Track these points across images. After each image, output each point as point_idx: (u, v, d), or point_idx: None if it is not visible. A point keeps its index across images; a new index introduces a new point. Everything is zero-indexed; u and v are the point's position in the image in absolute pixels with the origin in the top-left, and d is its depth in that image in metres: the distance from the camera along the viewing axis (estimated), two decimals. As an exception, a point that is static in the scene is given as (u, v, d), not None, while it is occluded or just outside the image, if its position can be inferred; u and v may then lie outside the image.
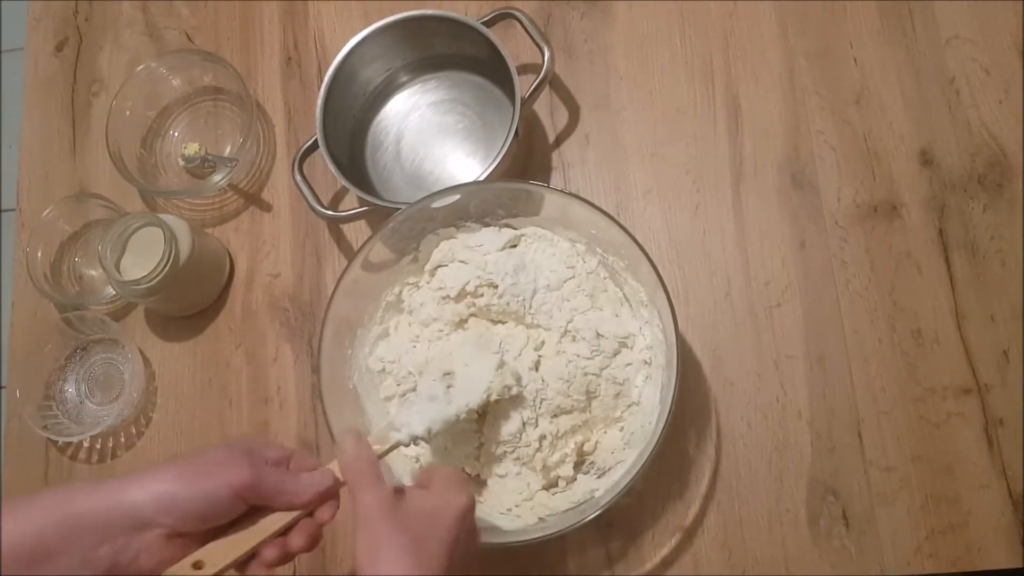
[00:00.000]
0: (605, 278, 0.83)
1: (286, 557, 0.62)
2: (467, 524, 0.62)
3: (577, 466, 0.80)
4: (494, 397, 0.75)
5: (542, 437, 0.78)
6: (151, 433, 0.95)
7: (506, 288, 0.80)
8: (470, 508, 0.62)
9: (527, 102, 0.87)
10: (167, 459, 0.61)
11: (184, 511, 0.57)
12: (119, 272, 0.90)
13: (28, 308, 1.02)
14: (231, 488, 0.58)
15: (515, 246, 0.84)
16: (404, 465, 0.82)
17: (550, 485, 0.79)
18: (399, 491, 0.61)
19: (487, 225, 0.84)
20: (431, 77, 0.98)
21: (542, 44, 0.87)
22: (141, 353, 0.96)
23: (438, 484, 0.63)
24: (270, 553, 0.61)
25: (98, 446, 0.96)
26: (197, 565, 0.58)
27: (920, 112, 0.88)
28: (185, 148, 1.01)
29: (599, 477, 0.79)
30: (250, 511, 0.61)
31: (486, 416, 0.79)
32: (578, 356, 0.79)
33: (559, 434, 0.78)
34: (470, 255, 0.82)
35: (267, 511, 0.61)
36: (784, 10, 0.94)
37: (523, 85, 0.87)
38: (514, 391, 0.76)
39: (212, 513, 0.58)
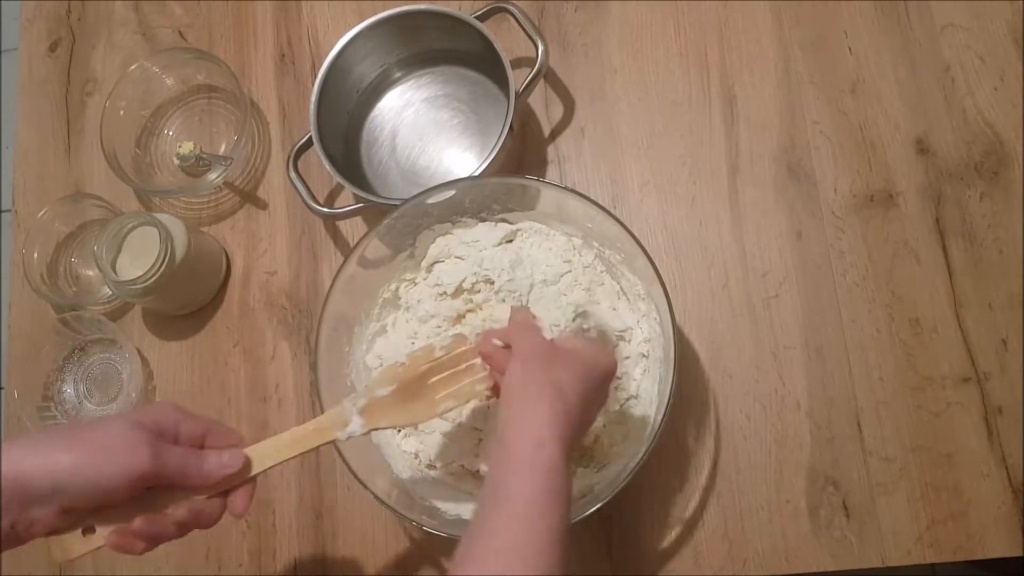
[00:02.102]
0: (602, 272, 0.83)
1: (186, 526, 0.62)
2: (607, 383, 0.66)
3: (576, 460, 0.80)
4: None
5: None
6: (150, 433, 0.95)
7: (503, 284, 0.80)
8: (613, 371, 0.66)
9: (522, 96, 0.86)
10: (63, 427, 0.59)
11: (77, 494, 0.57)
12: (115, 272, 0.90)
13: (25, 309, 1.02)
14: (128, 476, 0.58)
15: (511, 241, 0.84)
16: (404, 461, 0.82)
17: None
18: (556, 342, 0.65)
19: (483, 220, 0.84)
20: (425, 72, 0.98)
21: (536, 38, 0.86)
22: (139, 352, 0.96)
23: (588, 345, 0.66)
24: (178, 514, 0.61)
25: (97, 446, 0.96)
26: (88, 530, 0.60)
27: (916, 100, 0.88)
28: (180, 147, 1.01)
29: (598, 471, 0.79)
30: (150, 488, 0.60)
31: (486, 412, 0.79)
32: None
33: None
34: (466, 251, 0.82)
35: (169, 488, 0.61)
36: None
37: (517, 79, 0.86)
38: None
39: (106, 498, 0.58)
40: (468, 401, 0.71)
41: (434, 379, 0.69)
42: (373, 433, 0.81)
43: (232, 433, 0.66)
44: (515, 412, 0.59)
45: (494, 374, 0.68)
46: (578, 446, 0.65)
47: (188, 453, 0.62)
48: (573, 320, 0.78)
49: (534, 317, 0.69)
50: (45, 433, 0.60)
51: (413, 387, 0.69)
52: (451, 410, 0.69)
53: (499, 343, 0.67)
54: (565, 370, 0.61)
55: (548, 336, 0.66)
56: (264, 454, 0.65)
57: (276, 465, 0.65)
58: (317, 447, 0.67)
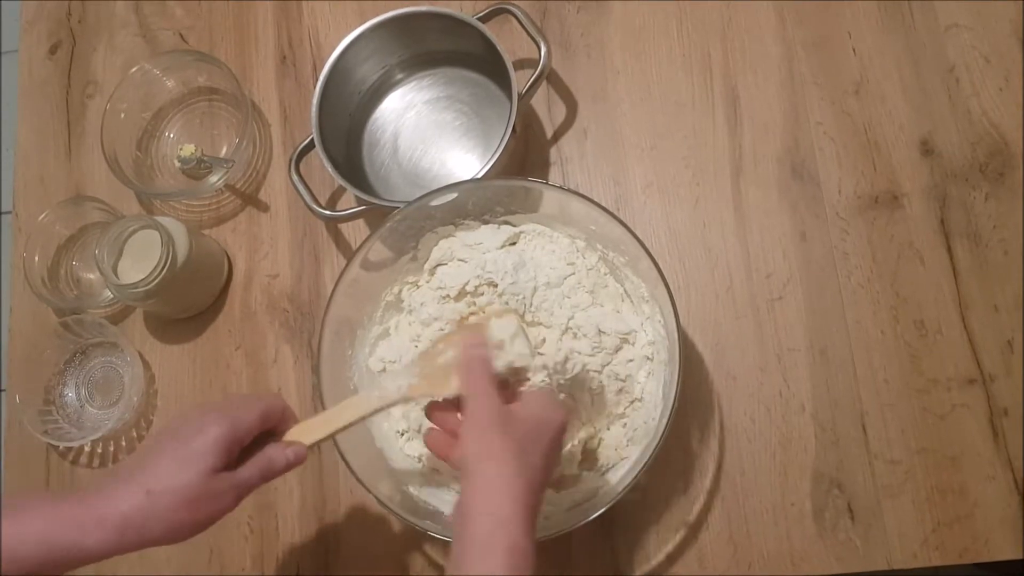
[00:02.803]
0: (605, 274, 0.82)
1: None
2: (560, 439, 0.65)
3: (581, 463, 0.79)
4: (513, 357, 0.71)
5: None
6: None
7: (506, 287, 0.79)
8: (566, 425, 0.65)
9: (524, 98, 0.86)
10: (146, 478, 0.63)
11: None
12: (117, 275, 0.89)
13: (26, 313, 1.01)
14: (217, 519, 0.64)
15: (514, 243, 0.83)
16: (407, 465, 0.81)
17: (554, 483, 0.79)
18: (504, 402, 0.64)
19: (486, 223, 0.84)
20: (427, 74, 0.97)
21: (538, 39, 0.86)
22: (140, 356, 0.95)
23: (537, 401, 0.66)
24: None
25: (99, 450, 0.96)
26: None
27: (920, 101, 0.88)
28: (181, 149, 1.01)
29: (603, 474, 0.78)
30: None
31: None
32: (579, 353, 0.78)
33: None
34: (469, 253, 0.82)
35: None
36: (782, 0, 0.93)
37: (520, 80, 0.86)
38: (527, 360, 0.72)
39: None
40: None
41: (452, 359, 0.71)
42: (376, 437, 0.81)
43: (286, 410, 0.71)
44: (476, 488, 0.59)
45: (444, 442, 0.67)
46: (542, 502, 0.64)
47: (262, 468, 0.67)
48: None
49: (482, 340, 0.68)
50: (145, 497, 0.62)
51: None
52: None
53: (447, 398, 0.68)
54: (523, 435, 0.61)
55: (497, 364, 0.67)
56: (315, 428, 0.71)
57: (326, 438, 0.70)
58: (361, 418, 0.71)
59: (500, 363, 0.68)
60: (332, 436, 0.71)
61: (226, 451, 0.64)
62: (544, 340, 0.80)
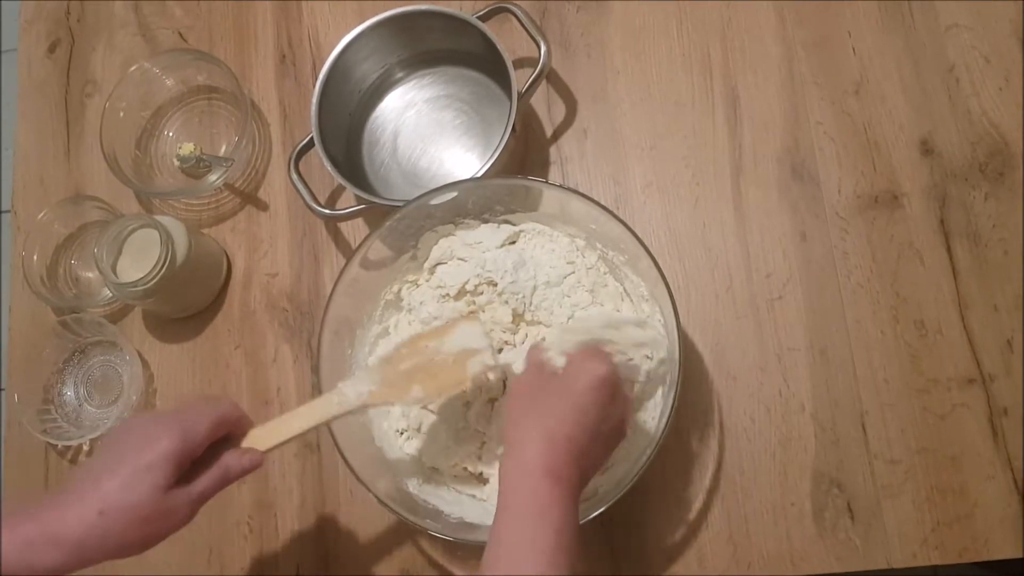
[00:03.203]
0: (605, 273, 0.82)
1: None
2: (603, 391, 0.65)
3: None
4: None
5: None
6: (151, 436, 0.95)
7: (506, 286, 0.79)
8: (606, 376, 0.65)
9: (524, 97, 0.86)
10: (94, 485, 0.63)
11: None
12: (116, 274, 0.89)
13: (25, 312, 1.01)
14: (173, 531, 0.65)
15: (514, 242, 0.83)
16: (406, 464, 0.81)
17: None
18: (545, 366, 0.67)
19: (486, 222, 0.84)
20: (427, 73, 0.97)
21: (538, 38, 0.86)
22: (139, 355, 0.95)
23: (579, 356, 0.67)
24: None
25: (98, 449, 0.95)
26: None
27: (920, 101, 0.88)
28: (180, 148, 1.01)
29: (603, 473, 0.78)
30: None
31: (489, 415, 0.79)
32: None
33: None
34: (469, 252, 0.82)
35: None
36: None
37: (520, 80, 0.86)
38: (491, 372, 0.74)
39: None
40: (451, 391, 0.74)
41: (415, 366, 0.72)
42: (376, 436, 0.81)
43: (241, 415, 0.70)
44: (508, 445, 0.63)
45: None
46: (593, 466, 0.66)
47: (219, 478, 0.67)
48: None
49: (543, 350, 0.69)
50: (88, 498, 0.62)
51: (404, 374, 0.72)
52: (431, 399, 0.74)
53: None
54: (556, 401, 0.63)
55: (559, 362, 0.67)
56: (272, 433, 0.71)
57: (283, 443, 0.70)
58: (318, 424, 0.71)
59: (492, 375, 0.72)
60: (289, 441, 0.71)
61: (177, 465, 0.63)
62: (544, 339, 0.80)
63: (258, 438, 0.70)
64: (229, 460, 0.67)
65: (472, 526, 0.75)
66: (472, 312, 0.80)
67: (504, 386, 0.79)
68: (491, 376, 0.74)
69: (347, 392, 0.71)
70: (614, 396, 0.66)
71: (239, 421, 0.70)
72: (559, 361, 0.67)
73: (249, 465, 0.68)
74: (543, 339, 0.79)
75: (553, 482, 0.59)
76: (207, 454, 0.67)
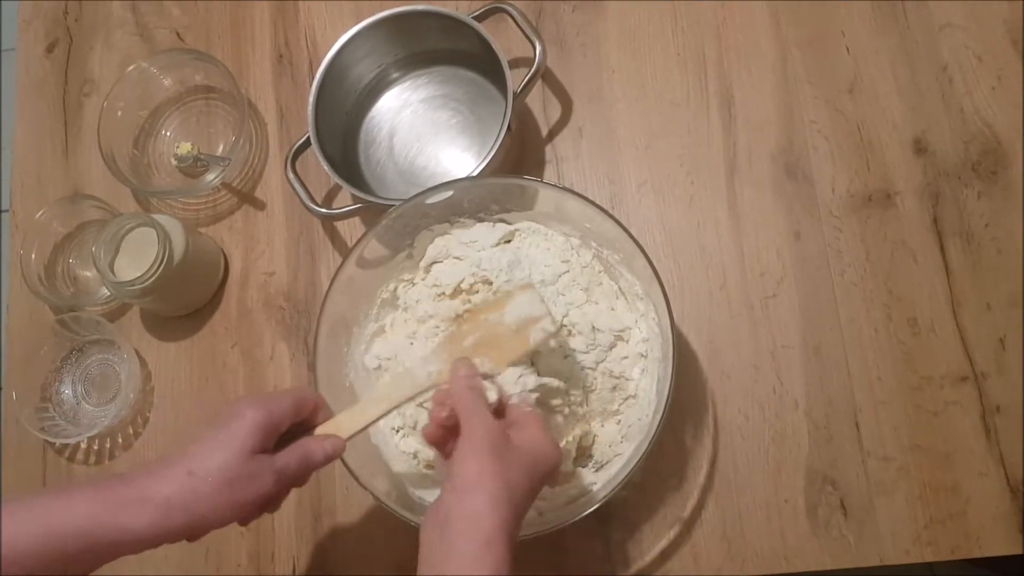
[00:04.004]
0: (600, 272, 0.83)
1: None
2: (551, 476, 0.66)
3: (575, 460, 0.80)
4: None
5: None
6: (148, 434, 0.95)
7: (501, 284, 0.80)
8: (558, 466, 0.66)
9: (519, 96, 0.86)
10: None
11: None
12: (113, 273, 0.90)
13: (23, 310, 1.02)
14: (258, 502, 0.65)
15: (509, 241, 0.84)
16: (403, 462, 0.81)
17: (551, 480, 0.79)
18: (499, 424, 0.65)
19: (481, 220, 0.84)
20: (423, 73, 0.98)
21: (533, 38, 0.86)
22: (137, 353, 0.96)
23: (534, 434, 0.66)
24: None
25: (96, 447, 0.96)
26: None
27: (914, 100, 0.88)
28: (177, 148, 1.01)
29: (597, 470, 0.79)
30: None
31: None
32: (574, 350, 0.79)
33: (557, 429, 0.78)
34: (465, 251, 0.82)
35: None
36: None
37: (515, 79, 0.86)
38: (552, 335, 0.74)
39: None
40: (516, 359, 0.73)
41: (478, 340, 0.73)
42: (372, 433, 0.82)
43: (320, 402, 0.72)
44: (464, 506, 0.59)
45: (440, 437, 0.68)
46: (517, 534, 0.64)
47: (300, 456, 0.67)
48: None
49: (475, 371, 0.69)
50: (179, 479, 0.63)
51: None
52: (499, 370, 0.72)
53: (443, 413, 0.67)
54: (517, 467, 0.62)
55: (491, 395, 0.68)
56: (351, 420, 0.71)
57: (362, 430, 0.71)
58: (394, 407, 0.72)
59: (492, 395, 0.69)
60: (367, 427, 0.72)
61: (262, 434, 0.65)
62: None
63: (336, 426, 0.71)
64: (310, 444, 0.68)
65: None
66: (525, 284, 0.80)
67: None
68: (552, 343, 0.75)
69: (417, 373, 0.72)
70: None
71: (317, 408, 0.71)
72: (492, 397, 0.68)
73: (332, 450, 0.69)
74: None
75: (510, 554, 0.58)
76: (290, 437, 0.68)
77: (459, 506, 0.59)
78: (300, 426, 0.70)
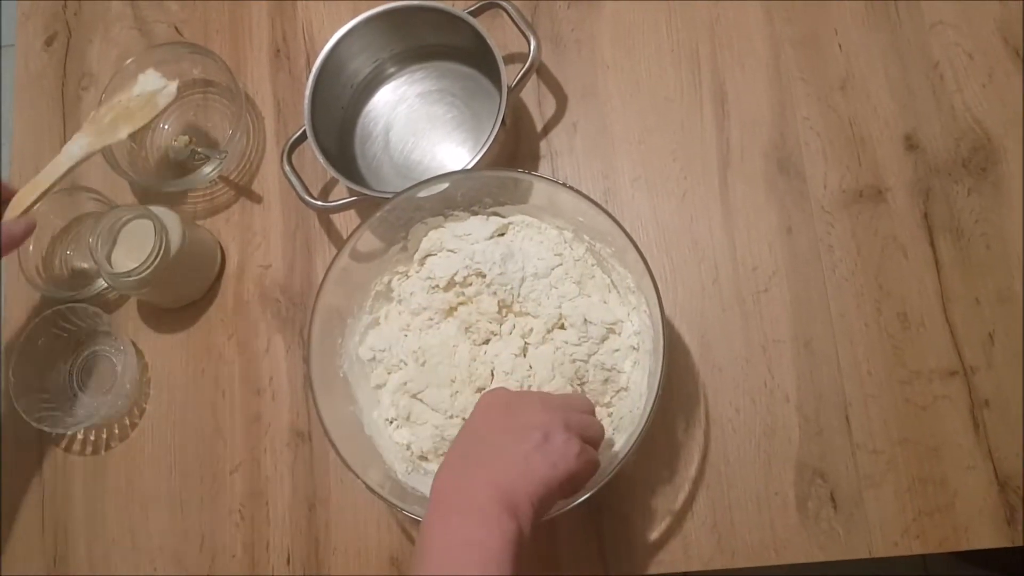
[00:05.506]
0: (593, 265, 0.83)
1: None
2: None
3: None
4: None
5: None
6: (144, 424, 0.96)
7: (494, 277, 0.80)
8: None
9: (514, 91, 0.87)
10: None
11: None
12: (110, 264, 0.90)
13: (20, 302, 1.02)
14: None
15: (503, 234, 0.84)
16: (395, 452, 0.82)
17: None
18: None
19: (475, 214, 0.85)
20: (419, 68, 0.98)
21: (528, 33, 0.87)
22: (134, 345, 0.96)
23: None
24: None
25: (92, 438, 0.96)
26: None
27: (905, 97, 0.89)
28: (175, 141, 1.02)
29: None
30: None
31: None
32: (566, 343, 0.79)
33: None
34: (458, 244, 0.83)
35: None
36: (770, -3, 0.94)
37: (510, 74, 0.87)
38: None
39: None
40: (149, 121, 0.95)
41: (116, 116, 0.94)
42: (366, 424, 0.82)
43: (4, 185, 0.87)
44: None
45: None
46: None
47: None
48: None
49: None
50: None
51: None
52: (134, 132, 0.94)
53: None
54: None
55: None
56: (27, 196, 0.89)
57: (37, 200, 0.89)
58: (60, 178, 0.90)
59: None
60: (41, 198, 0.89)
61: None
62: (532, 330, 0.81)
63: (19, 205, 0.88)
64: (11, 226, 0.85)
65: None
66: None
67: (491, 375, 0.80)
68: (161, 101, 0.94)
69: (72, 150, 0.90)
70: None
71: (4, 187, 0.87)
72: None
73: (27, 227, 0.86)
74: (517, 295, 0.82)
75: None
76: None
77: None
78: None
